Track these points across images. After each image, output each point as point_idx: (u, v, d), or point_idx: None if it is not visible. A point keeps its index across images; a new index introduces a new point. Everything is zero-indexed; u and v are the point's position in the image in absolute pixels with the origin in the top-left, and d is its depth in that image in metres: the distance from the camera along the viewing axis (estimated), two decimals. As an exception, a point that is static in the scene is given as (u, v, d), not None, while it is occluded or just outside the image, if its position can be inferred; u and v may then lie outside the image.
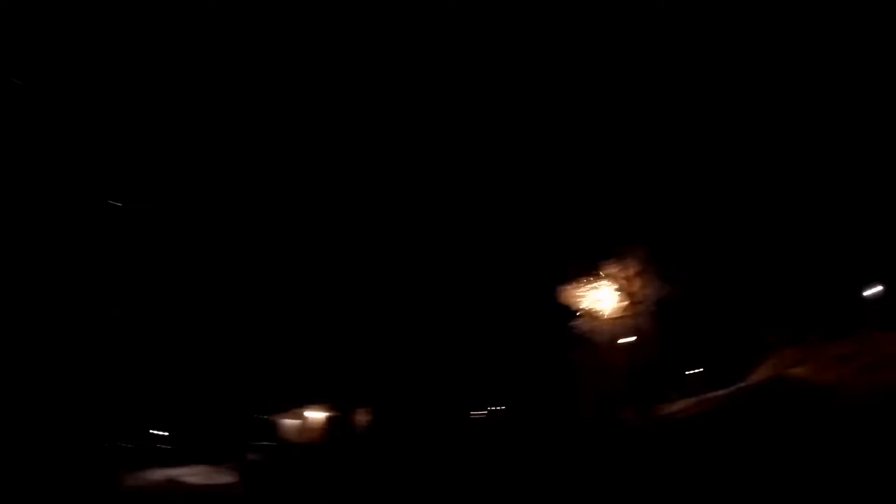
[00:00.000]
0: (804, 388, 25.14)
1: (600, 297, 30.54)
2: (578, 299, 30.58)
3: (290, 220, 37.14)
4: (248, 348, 33.76)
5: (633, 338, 30.96)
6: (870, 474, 15.25)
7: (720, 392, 29.58)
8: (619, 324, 30.13)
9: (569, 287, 30.54)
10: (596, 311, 30.53)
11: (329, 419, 31.20)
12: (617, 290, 30.54)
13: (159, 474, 27.83)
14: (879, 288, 37.04)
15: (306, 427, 31.38)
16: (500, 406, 32.48)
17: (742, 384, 30.22)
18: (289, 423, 31.76)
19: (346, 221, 37.95)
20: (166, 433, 31.42)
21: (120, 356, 31.05)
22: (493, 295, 35.52)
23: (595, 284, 30.57)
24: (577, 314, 30.72)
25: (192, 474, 28.38)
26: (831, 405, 22.18)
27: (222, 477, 28.53)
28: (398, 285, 35.80)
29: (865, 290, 35.23)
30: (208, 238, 34.51)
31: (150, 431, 30.70)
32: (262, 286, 35.40)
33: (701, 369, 33.80)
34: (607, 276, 30.52)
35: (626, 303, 30.34)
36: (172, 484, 26.93)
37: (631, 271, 30.43)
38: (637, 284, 30.49)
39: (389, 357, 32.96)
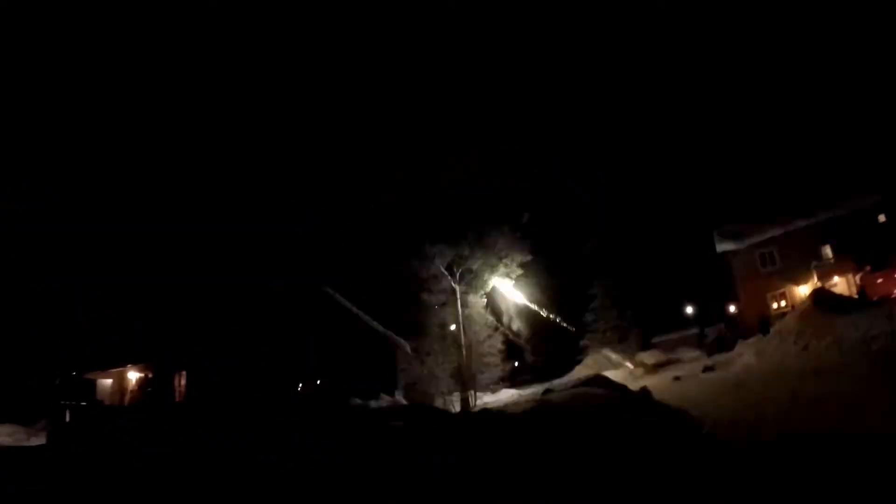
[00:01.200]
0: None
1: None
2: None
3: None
4: (68, 304, 33.79)
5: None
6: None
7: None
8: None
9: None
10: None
11: (146, 380, 32.22)
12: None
13: (-38, 432, 27.67)
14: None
15: (123, 388, 32.26)
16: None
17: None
18: (105, 382, 32.43)
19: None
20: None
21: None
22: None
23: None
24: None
25: (0, 433, 28.46)
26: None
27: (32, 438, 28.83)
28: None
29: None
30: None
31: None
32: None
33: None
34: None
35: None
36: (-25, 443, 26.92)
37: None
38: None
39: (213, 321, 34.14)
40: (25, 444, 28.29)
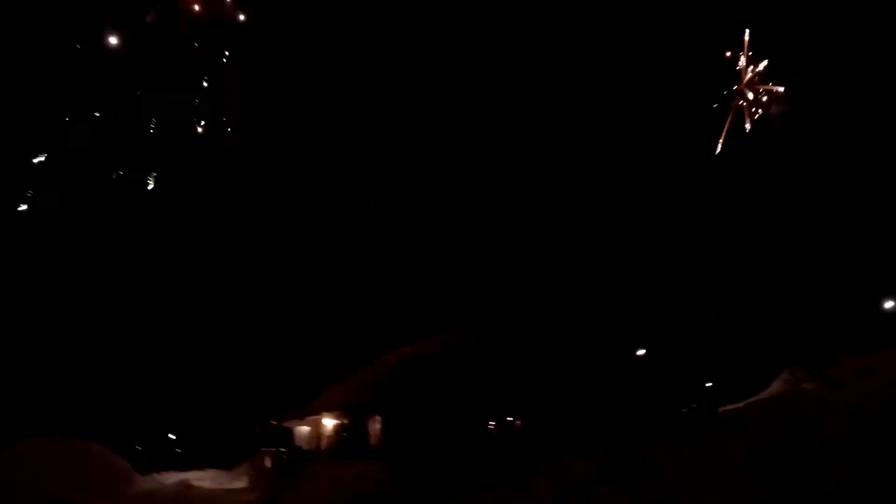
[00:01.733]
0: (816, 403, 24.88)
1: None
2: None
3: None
4: (264, 355, 33.94)
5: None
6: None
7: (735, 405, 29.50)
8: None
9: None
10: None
11: (341, 426, 31.03)
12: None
13: (173, 477, 27.94)
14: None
15: (319, 434, 31.26)
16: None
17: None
18: (303, 429, 31.69)
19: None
20: (180, 438, 31.65)
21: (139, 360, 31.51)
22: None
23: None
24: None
25: (205, 478, 28.50)
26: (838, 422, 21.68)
27: (234, 482, 28.64)
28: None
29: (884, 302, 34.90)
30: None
31: (167, 436, 30.97)
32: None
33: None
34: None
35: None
36: (185, 487, 27.02)
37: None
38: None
39: (402, 367, 32.88)
40: (228, 486, 28.00)
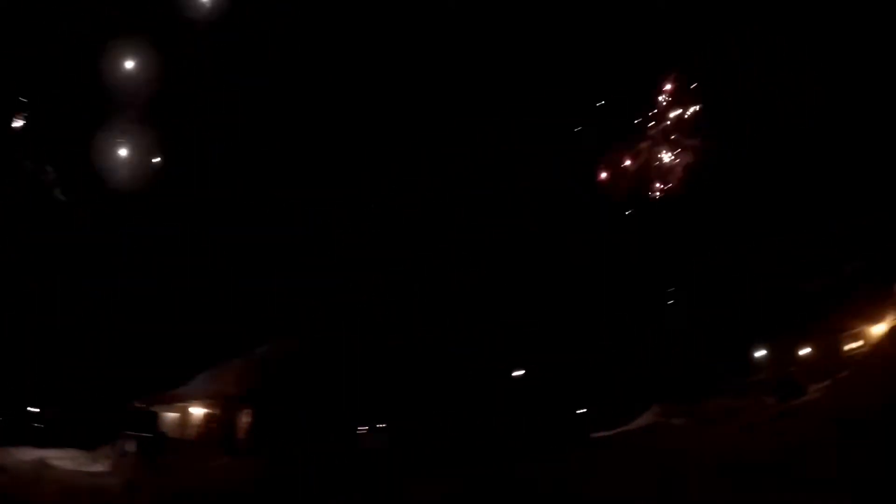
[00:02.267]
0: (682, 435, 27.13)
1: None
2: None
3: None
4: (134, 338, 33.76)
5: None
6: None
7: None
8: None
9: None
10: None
11: (210, 416, 31.62)
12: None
13: (29, 454, 27.34)
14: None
15: (187, 421, 31.67)
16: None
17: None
18: (169, 415, 31.94)
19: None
20: (40, 412, 31.00)
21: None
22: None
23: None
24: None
25: (64, 458, 28.03)
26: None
27: (95, 464, 28.37)
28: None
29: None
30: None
31: (27, 409, 30.23)
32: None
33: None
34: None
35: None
36: (42, 466, 26.53)
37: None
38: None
39: (277, 362, 33.75)
40: (88, 469, 27.86)
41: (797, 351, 34.10)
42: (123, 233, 35.76)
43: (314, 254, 40.51)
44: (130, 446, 29.12)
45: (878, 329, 28.61)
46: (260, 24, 38.02)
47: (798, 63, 37.69)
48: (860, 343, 30.00)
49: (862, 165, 35.69)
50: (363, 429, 32.08)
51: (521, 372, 37.55)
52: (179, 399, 32.25)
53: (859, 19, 36.29)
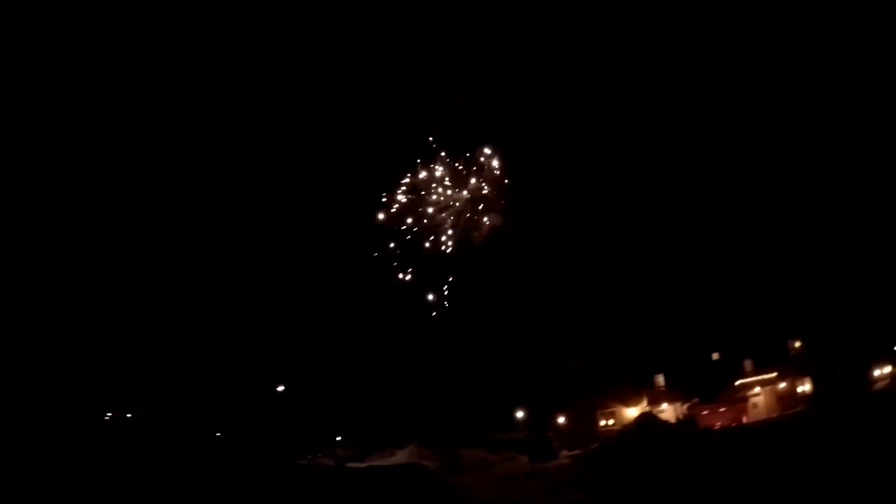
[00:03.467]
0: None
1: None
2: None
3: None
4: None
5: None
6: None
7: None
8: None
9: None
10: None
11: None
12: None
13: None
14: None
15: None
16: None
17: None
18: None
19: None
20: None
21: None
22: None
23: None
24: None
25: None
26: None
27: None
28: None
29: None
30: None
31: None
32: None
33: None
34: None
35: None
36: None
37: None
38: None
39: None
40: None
41: (557, 418, 37.15)
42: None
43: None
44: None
45: (631, 412, 33.93)
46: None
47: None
48: (612, 422, 34.82)
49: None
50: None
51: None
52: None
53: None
